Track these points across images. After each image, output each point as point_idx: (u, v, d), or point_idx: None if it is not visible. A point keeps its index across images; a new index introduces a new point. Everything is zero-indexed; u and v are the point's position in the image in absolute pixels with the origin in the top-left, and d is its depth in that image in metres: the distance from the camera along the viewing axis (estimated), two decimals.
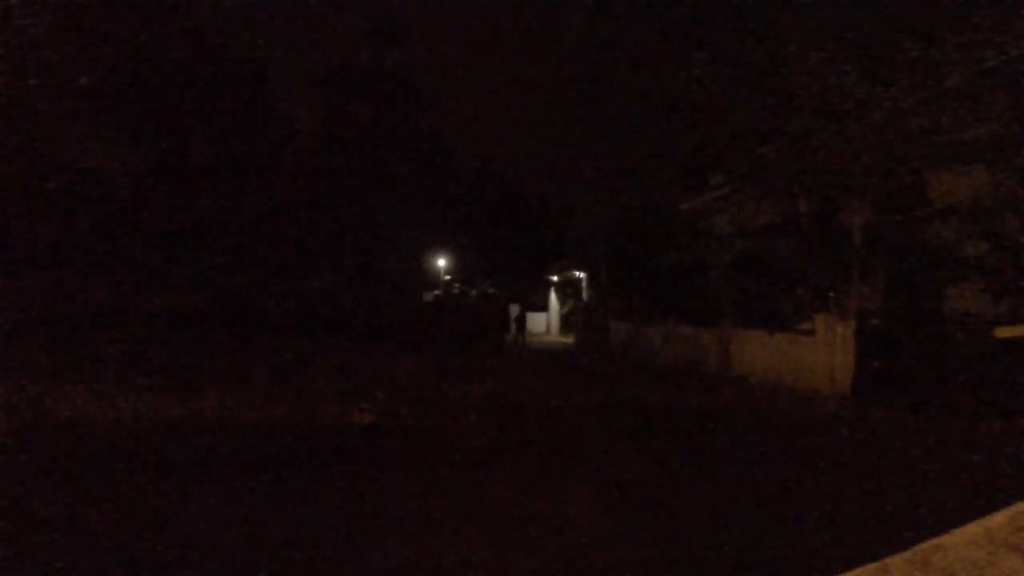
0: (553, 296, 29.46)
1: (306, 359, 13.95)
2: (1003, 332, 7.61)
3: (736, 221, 12.42)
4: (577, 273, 26.56)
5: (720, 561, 3.53)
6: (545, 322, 29.15)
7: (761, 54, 8.00)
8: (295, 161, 17.22)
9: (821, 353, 9.77)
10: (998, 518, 2.32)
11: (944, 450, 5.95)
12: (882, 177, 7.77)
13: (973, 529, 2.23)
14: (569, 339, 23.90)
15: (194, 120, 12.93)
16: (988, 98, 6.45)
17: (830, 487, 4.90)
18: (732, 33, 8.16)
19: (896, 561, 2.10)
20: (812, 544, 3.65)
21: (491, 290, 30.30)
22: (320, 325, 17.76)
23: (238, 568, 3.43)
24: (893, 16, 7.21)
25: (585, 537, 3.89)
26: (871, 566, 2.14)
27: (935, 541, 2.22)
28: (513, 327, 22.43)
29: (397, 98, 20.29)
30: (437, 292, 29.21)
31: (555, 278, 29.06)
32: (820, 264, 9.72)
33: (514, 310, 23.92)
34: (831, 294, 9.57)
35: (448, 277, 31.11)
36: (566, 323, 26.86)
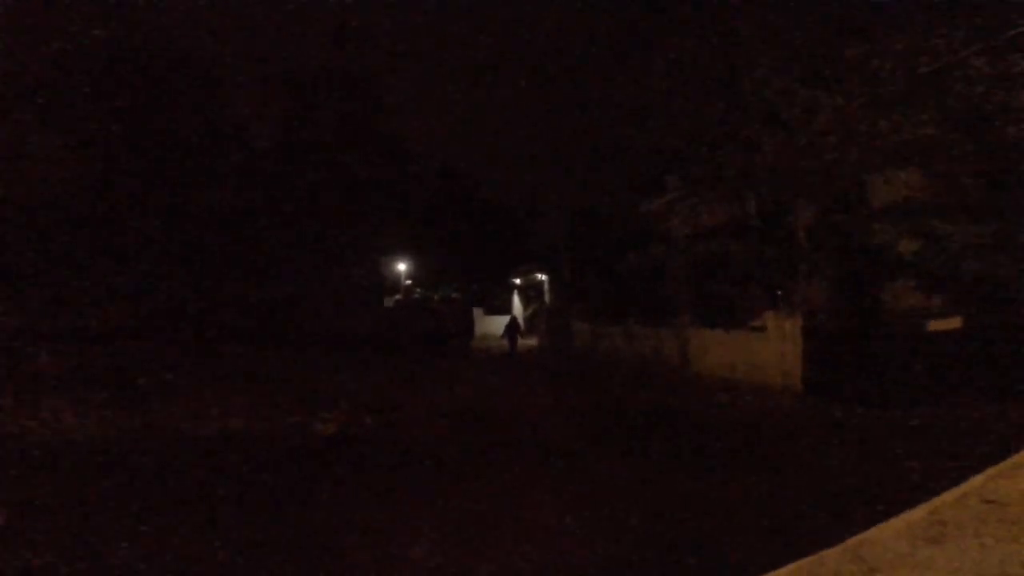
0: (516, 299, 29.62)
1: (263, 369, 13.58)
2: (935, 325, 8.16)
3: (691, 223, 12.84)
4: (540, 276, 26.82)
5: (679, 560, 3.66)
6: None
7: (716, 62, 8.32)
8: (249, 167, 16.74)
9: (773, 349, 10.19)
10: (918, 512, 2.52)
11: (880, 441, 6.31)
12: (825, 180, 8.19)
13: (896, 524, 2.42)
14: (533, 341, 24.07)
15: (141, 126, 12.43)
16: (923, 103, 6.89)
17: (779, 482, 5.13)
18: (688, 41, 8.45)
19: (831, 554, 2.26)
20: (758, 538, 3.85)
21: (454, 294, 30.21)
22: (277, 333, 17.30)
23: None
24: (835, 22, 7.59)
25: (552, 539, 3.97)
26: (809, 559, 2.28)
27: (864, 535, 2.39)
28: (504, 335, 20.38)
29: (355, 101, 20.01)
30: (398, 297, 28.92)
31: (518, 281, 29.23)
32: (769, 263, 10.15)
33: (504, 319, 23.50)
34: (779, 292, 10.01)
35: (409, 281, 30.84)
36: (530, 325, 27.07)
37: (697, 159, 9.82)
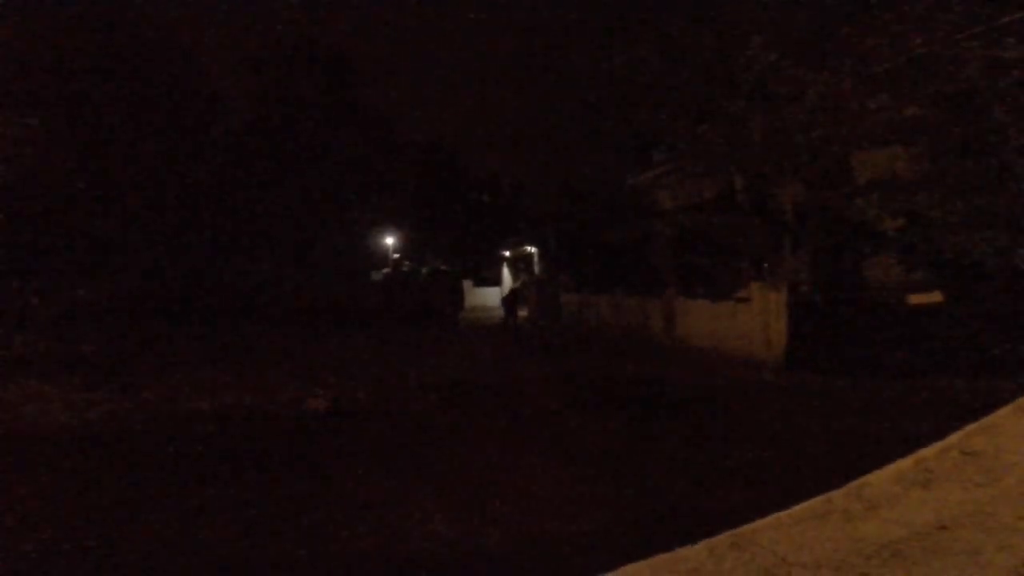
0: (506, 271, 29.66)
1: (252, 346, 13.58)
2: (916, 299, 8.38)
3: (678, 197, 12.88)
4: (529, 248, 26.82)
5: (669, 528, 3.82)
6: (499, 296, 29.38)
7: (704, 37, 8.23)
8: (228, 143, 16.36)
9: (757, 320, 10.39)
10: (907, 462, 2.77)
11: (860, 409, 6.56)
12: (812, 156, 8.24)
13: (889, 470, 2.68)
14: (523, 312, 24.26)
15: (116, 106, 12.03)
16: (912, 83, 6.91)
17: (763, 448, 5.33)
18: (676, 15, 8.34)
19: (838, 495, 2.48)
20: (744, 496, 4.03)
21: (443, 267, 30.15)
22: (264, 310, 17.24)
23: (209, 559, 3.45)
24: (829, 3, 7.53)
25: (546, 508, 4.11)
26: (818, 499, 2.47)
27: (863, 479, 2.64)
28: (503, 310, 18.31)
29: (335, 74, 19.52)
30: (386, 270, 28.80)
31: (507, 253, 29.22)
32: (755, 237, 10.26)
33: (501, 291, 22.08)
34: (765, 265, 10.16)
35: (398, 255, 30.69)
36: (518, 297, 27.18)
37: (684, 134, 9.80)
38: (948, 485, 2.31)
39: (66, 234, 11.37)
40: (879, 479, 2.59)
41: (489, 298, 29.73)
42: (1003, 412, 3.30)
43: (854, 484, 2.62)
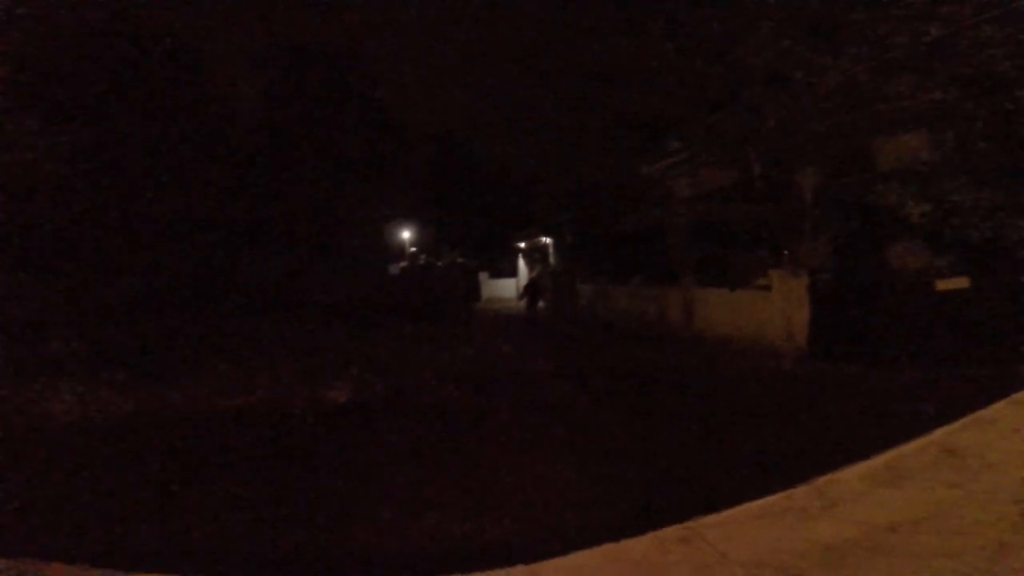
0: (521, 262, 29.63)
1: (272, 340, 13.78)
2: (943, 285, 8.14)
3: (694, 185, 12.69)
4: (544, 239, 26.73)
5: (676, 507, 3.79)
6: (515, 288, 29.38)
7: (716, 24, 8.05)
8: (242, 142, 16.53)
9: (777, 308, 10.20)
10: (878, 461, 2.69)
11: (882, 398, 6.41)
12: (831, 142, 8.04)
13: (861, 466, 2.61)
14: (541, 303, 24.23)
15: (133, 109, 12.23)
16: (931, 67, 6.69)
17: (780, 439, 5.26)
18: (687, 2, 8.16)
19: (799, 491, 2.42)
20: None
21: (459, 259, 30.21)
22: (283, 306, 17.45)
23: (236, 552, 3.52)
24: None
25: (563, 501, 4.13)
26: (780, 495, 2.42)
27: (829, 476, 2.56)
28: (523, 296, 17.83)
29: (345, 70, 19.55)
30: (403, 264, 28.96)
31: (522, 245, 29.17)
32: (773, 224, 10.08)
33: (517, 282, 21.92)
34: (785, 252, 9.98)
35: (414, 249, 30.82)
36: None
37: (698, 121, 9.63)
38: (916, 485, 2.22)
39: (92, 234, 11.66)
40: (848, 475, 2.53)
41: (505, 290, 29.74)
42: (998, 406, 3.19)
43: (821, 480, 2.56)
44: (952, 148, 7.28)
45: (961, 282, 8.00)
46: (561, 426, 6.06)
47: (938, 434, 2.92)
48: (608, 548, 1.97)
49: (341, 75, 19.55)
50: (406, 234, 30.43)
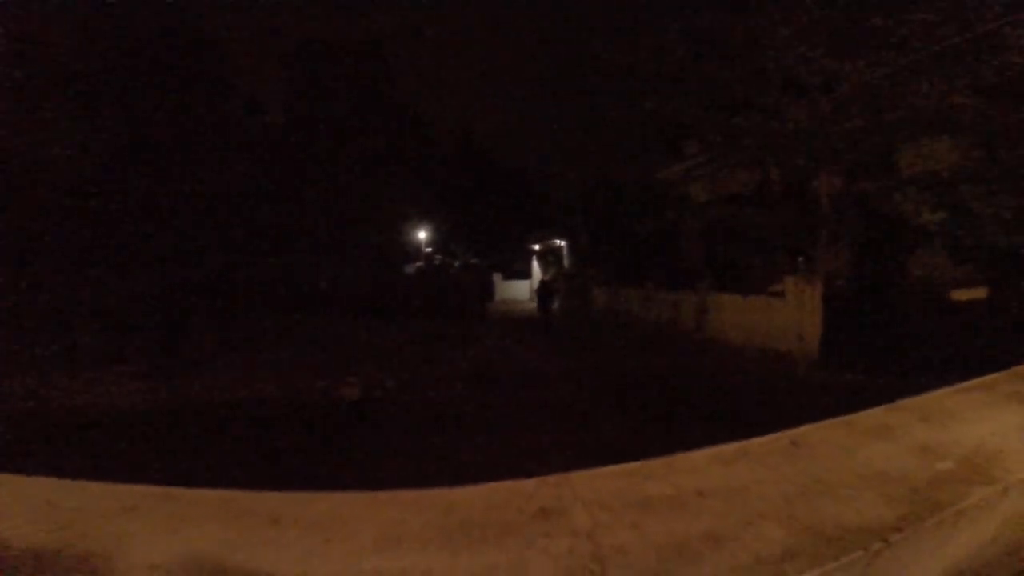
0: (535, 264, 29.70)
1: (289, 336, 14.03)
2: (959, 295, 8.03)
3: (710, 189, 12.64)
4: (558, 241, 26.78)
5: None
6: (528, 289, 29.46)
7: (734, 28, 8.04)
8: (264, 140, 16.87)
9: (791, 314, 10.13)
10: (731, 446, 2.61)
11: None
12: (850, 147, 7.98)
13: (713, 450, 2.54)
14: (554, 305, 24.28)
15: (154, 102, 12.57)
16: (953, 73, 6.61)
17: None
18: (705, 6, 8.19)
19: (657, 462, 2.41)
20: None
21: (473, 260, 30.38)
22: (300, 302, 17.76)
23: None
24: None
25: None
26: (640, 463, 2.39)
27: (686, 454, 2.51)
28: (537, 302, 17.65)
29: (368, 70, 19.84)
30: (419, 264, 29.20)
31: (537, 247, 29.25)
32: (790, 230, 10.01)
33: (531, 284, 21.87)
34: (800, 258, 9.90)
35: (430, 249, 31.07)
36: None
37: (715, 125, 9.61)
38: (746, 465, 2.31)
39: (120, 228, 12.00)
40: (701, 455, 2.55)
41: (519, 291, 29.84)
42: (873, 411, 3.16)
43: (679, 455, 2.56)
44: (974, 154, 7.17)
45: (978, 292, 7.88)
46: (566, 430, 6.11)
47: (798, 430, 2.95)
48: (503, 484, 2.09)
49: (363, 75, 19.84)
50: (422, 234, 30.70)
